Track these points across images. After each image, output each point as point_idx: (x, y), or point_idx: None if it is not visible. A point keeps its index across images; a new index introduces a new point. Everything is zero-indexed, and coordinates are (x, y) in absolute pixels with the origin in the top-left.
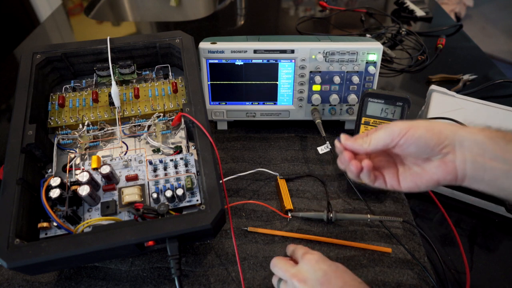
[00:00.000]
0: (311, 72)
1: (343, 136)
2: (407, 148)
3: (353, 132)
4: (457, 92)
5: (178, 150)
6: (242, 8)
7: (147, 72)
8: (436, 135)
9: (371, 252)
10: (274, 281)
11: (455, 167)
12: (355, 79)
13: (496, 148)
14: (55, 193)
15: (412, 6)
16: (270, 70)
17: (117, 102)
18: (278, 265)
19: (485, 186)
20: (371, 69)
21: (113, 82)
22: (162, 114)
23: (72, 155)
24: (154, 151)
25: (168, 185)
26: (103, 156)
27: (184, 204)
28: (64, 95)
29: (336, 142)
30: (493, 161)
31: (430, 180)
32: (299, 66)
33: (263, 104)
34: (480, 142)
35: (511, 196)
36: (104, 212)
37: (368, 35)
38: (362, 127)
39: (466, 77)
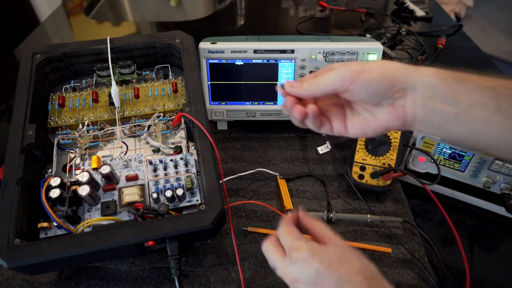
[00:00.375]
0: (311, 72)
1: (287, 83)
2: (358, 93)
3: None
4: None
5: (178, 150)
6: (242, 8)
7: (147, 72)
8: (389, 80)
9: (371, 252)
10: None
11: (405, 112)
12: None
13: (448, 90)
14: (55, 193)
15: (412, 6)
16: (270, 70)
17: (117, 102)
18: (269, 255)
19: (434, 130)
20: None
21: (113, 82)
22: (162, 114)
23: (72, 155)
24: (154, 151)
25: (168, 185)
26: (103, 156)
27: (184, 204)
28: (64, 95)
29: (279, 88)
30: (444, 104)
31: (378, 126)
32: (299, 66)
33: (263, 104)
34: (432, 84)
35: (458, 140)
36: (104, 212)
37: (368, 35)
38: None
39: None
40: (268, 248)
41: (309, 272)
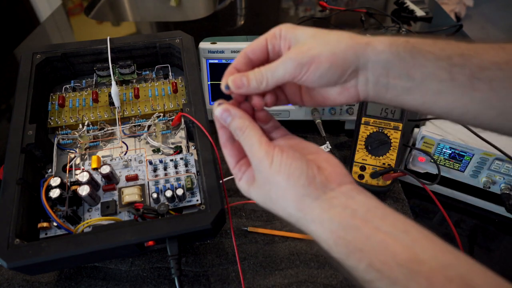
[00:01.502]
0: None
1: (231, 83)
2: (309, 83)
3: (353, 132)
4: None
5: (178, 150)
6: (242, 8)
7: (147, 72)
8: (339, 67)
9: None
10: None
11: (357, 91)
12: None
13: (401, 65)
14: (55, 193)
15: (412, 6)
16: None
17: (117, 102)
18: (226, 156)
19: (386, 102)
20: None
21: (113, 82)
22: (162, 114)
23: (72, 155)
24: (154, 151)
25: (168, 185)
26: (103, 156)
27: (184, 204)
28: (64, 95)
29: (224, 89)
30: (397, 79)
31: (333, 103)
32: None
33: None
34: (385, 61)
35: (410, 109)
36: (104, 212)
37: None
38: (362, 127)
39: None
40: (226, 152)
41: (258, 199)
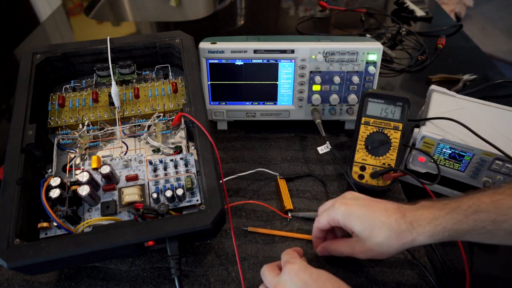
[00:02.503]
0: (311, 72)
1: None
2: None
3: (353, 132)
4: (457, 92)
5: (178, 150)
6: (242, 8)
7: (147, 72)
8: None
9: None
10: None
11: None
12: (355, 79)
13: (445, 234)
14: (55, 193)
15: (412, 6)
16: (270, 70)
17: (117, 102)
18: (265, 274)
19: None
20: (371, 69)
21: (113, 82)
22: (162, 114)
23: (72, 155)
24: (154, 151)
25: (168, 185)
26: (103, 156)
27: (184, 204)
28: (64, 95)
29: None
30: (444, 239)
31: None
32: (299, 66)
33: (263, 104)
34: (431, 238)
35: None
36: (104, 212)
37: (368, 35)
38: (362, 127)
39: (466, 77)
40: (266, 269)
41: (297, 282)
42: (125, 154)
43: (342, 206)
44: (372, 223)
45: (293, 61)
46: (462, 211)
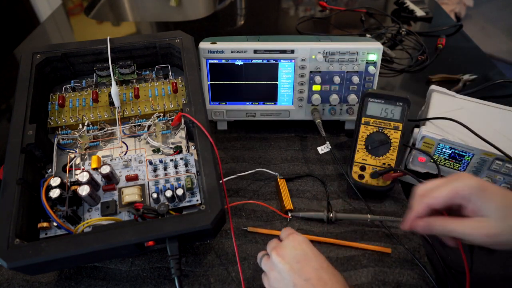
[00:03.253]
0: (311, 72)
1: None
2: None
3: (353, 132)
4: (457, 92)
5: (178, 150)
6: (242, 8)
7: (147, 72)
8: None
9: (371, 252)
10: (259, 256)
11: None
12: (355, 79)
13: None
14: (55, 193)
15: (412, 6)
16: (270, 70)
17: (117, 102)
18: (270, 242)
19: None
20: (371, 69)
21: (113, 82)
22: (162, 114)
23: (72, 155)
24: (154, 151)
25: (168, 185)
26: (103, 156)
27: (184, 204)
28: (64, 95)
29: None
30: None
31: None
32: (299, 66)
33: (263, 104)
34: None
35: None
36: (104, 212)
37: (368, 35)
38: (362, 127)
39: (466, 77)
40: (272, 240)
41: (298, 250)
42: (125, 154)
43: (472, 180)
44: None
45: (293, 61)
46: None
